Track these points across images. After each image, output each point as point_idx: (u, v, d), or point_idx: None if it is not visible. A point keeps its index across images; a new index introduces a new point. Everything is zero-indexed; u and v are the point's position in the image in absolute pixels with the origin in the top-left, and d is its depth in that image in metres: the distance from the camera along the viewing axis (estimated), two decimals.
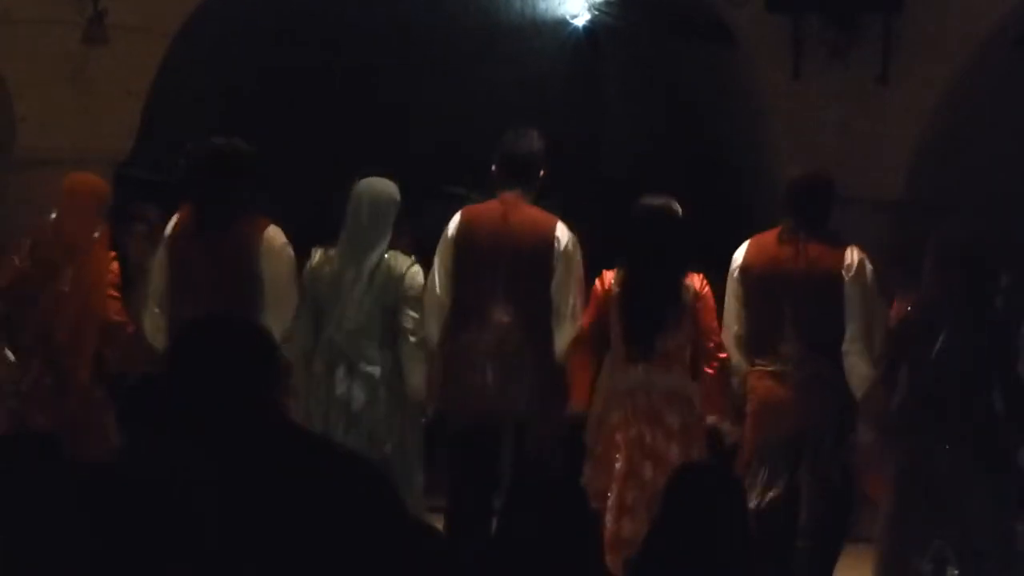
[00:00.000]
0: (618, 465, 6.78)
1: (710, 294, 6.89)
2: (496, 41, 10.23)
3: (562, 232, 6.89)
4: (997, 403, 6.23)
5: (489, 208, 6.96)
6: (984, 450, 6.22)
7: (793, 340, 6.70)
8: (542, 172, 7.00)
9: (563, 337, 6.89)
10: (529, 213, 6.93)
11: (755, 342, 6.78)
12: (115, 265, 7.34)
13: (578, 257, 6.91)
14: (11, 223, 8.65)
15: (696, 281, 6.86)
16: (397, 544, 3.94)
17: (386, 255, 6.85)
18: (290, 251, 6.88)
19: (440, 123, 10.28)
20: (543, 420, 6.86)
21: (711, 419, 6.87)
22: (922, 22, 9.07)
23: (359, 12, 10.37)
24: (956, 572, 6.44)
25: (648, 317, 6.81)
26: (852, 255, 6.72)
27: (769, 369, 6.73)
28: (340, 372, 6.84)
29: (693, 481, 4.65)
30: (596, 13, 10.16)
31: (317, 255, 6.94)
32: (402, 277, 6.84)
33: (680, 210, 6.92)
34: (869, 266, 6.73)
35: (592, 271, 7.05)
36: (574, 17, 10.05)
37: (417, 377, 6.86)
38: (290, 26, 10.49)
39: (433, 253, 7.04)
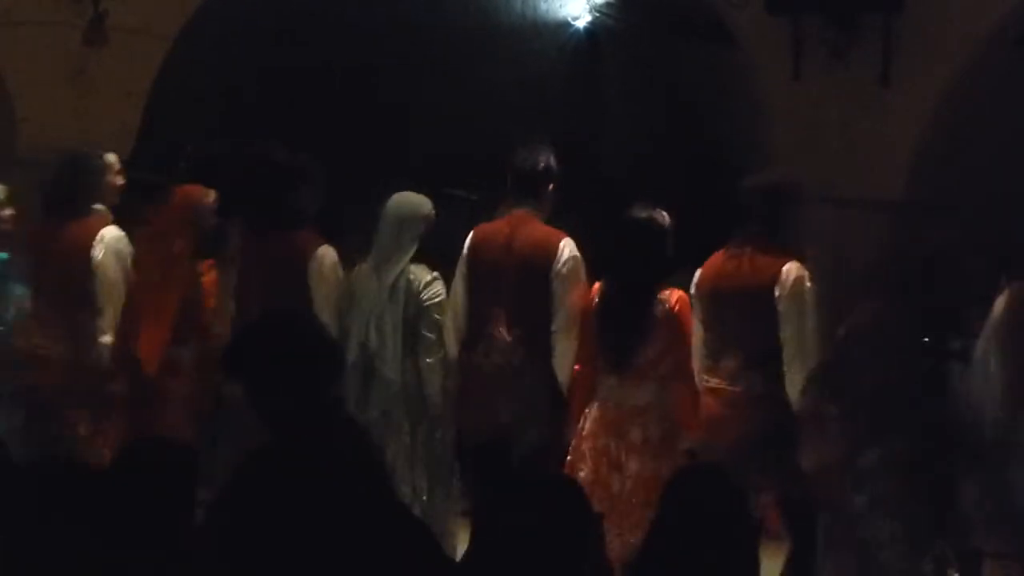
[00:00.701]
0: (582, 474, 6.77)
1: (685, 311, 6.81)
2: (496, 42, 10.22)
3: (564, 249, 6.89)
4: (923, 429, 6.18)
5: (497, 227, 7.02)
6: (913, 477, 6.16)
7: (732, 356, 6.63)
8: (551, 187, 7.02)
9: (559, 353, 6.90)
10: (535, 231, 6.95)
11: (707, 359, 6.73)
12: (211, 273, 7.29)
13: (578, 275, 6.90)
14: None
15: (672, 297, 6.80)
16: (385, 539, 3.96)
17: (408, 269, 6.94)
18: (340, 272, 7.03)
19: (440, 124, 10.27)
20: (543, 439, 6.87)
21: (684, 440, 6.81)
22: (922, 22, 9.07)
23: (359, 12, 10.37)
24: (956, 573, 6.43)
25: (619, 329, 6.80)
26: (788, 271, 6.59)
27: (711, 385, 6.69)
28: (359, 382, 6.93)
29: (693, 483, 4.65)
30: (597, 15, 10.15)
31: (356, 268, 7.07)
32: (420, 292, 6.93)
33: (666, 223, 6.86)
34: (807, 284, 6.57)
35: (592, 274, 7.05)
36: (575, 19, 10.04)
37: (434, 390, 6.94)
38: (290, 26, 10.49)
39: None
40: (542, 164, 6.97)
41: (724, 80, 9.99)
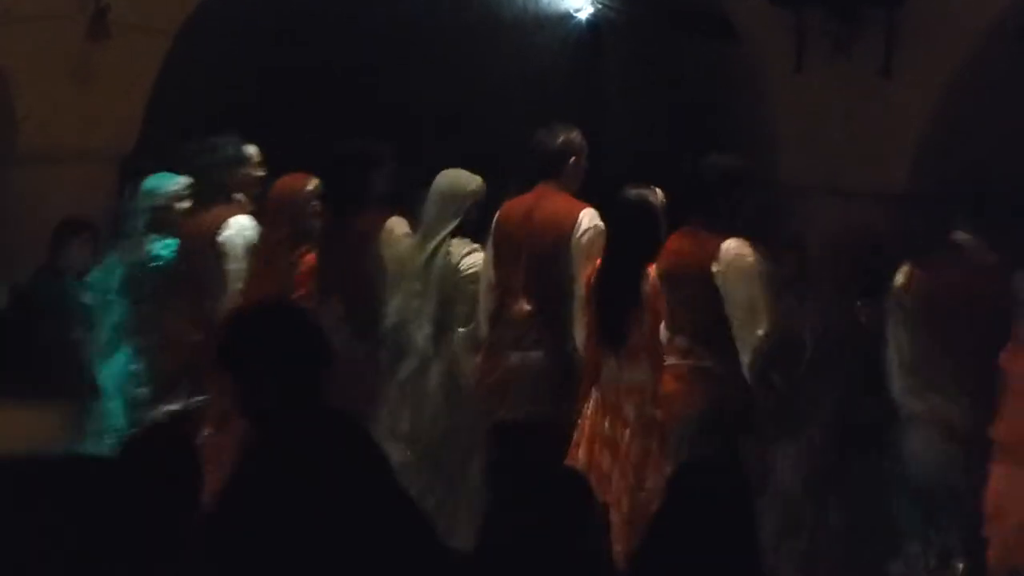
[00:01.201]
0: (580, 452, 6.80)
1: None
2: (498, 36, 10.19)
3: (585, 220, 6.90)
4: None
5: (520, 200, 7.08)
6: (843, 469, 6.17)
7: (682, 333, 6.65)
8: (573, 160, 7.02)
9: (576, 328, 6.92)
10: (556, 202, 6.97)
11: (663, 337, 6.77)
12: (309, 258, 7.39)
13: (597, 246, 6.91)
14: (13, 220, 8.67)
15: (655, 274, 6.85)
16: (379, 530, 3.95)
17: (448, 242, 7.03)
18: (410, 241, 7.14)
19: (442, 119, 10.26)
20: (555, 415, 6.89)
21: (657, 413, 6.85)
22: (924, 15, 9.07)
23: (359, 9, 10.36)
24: (961, 565, 6.42)
25: (612, 307, 6.82)
26: (727, 247, 6.57)
27: (668, 362, 6.71)
28: (394, 351, 7.02)
29: (698, 475, 4.65)
30: (599, 7, 10.10)
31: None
32: (458, 264, 7.01)
33: (660, 201, 6.88)
34: (749, 260, 6.55)
35: None
36: (577, 11, 9.99)
37: (467, 366, 7.00)
38: (290, 25, 10.49)
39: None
40: (560, 139, 7.02)
41: (727, 74, 9.98)
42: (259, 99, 10.43)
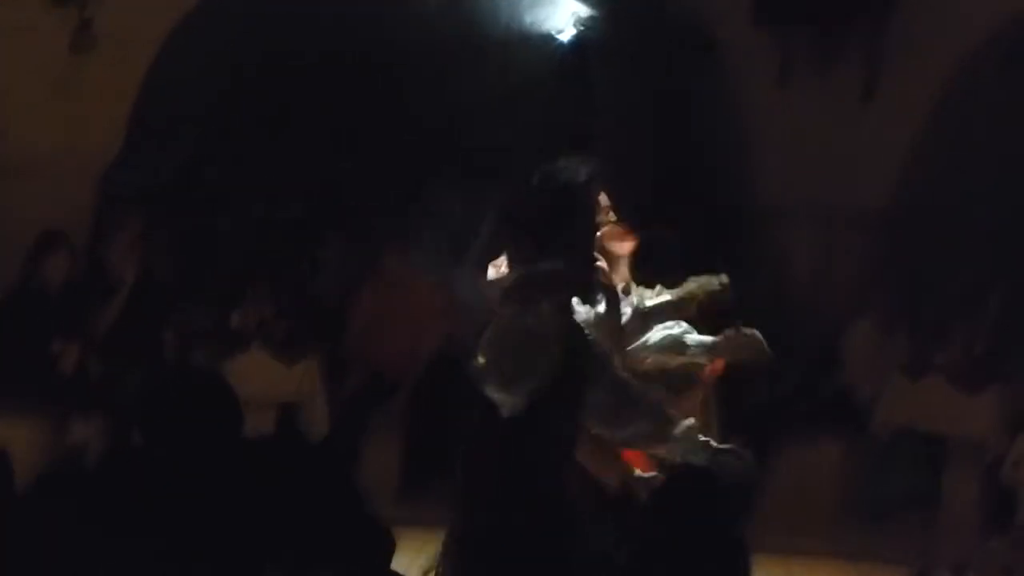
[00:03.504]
0: None
1: None
2: (484, 55, 10.18)
3: None
4: None
5: None
6: None
7: None
8: None
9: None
10: None
11: None
12: None
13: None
14: None
15: None
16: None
17: None
18: None
19: (425, 136, 10.25)
20: None
21: None
22: (907, 36, 9.11)
23: (343, 37, 10.34)
24: None
25: None
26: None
27: None
28: None
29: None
30: (582, 28, 10.10)
31: None
32: None
33: None
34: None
35: None
36: (559, 32, 10.01)
37: None
38: (272, 37, 10.47)
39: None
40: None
41: (711, 93, 9.99)
42: (258, 98, 10.39)
